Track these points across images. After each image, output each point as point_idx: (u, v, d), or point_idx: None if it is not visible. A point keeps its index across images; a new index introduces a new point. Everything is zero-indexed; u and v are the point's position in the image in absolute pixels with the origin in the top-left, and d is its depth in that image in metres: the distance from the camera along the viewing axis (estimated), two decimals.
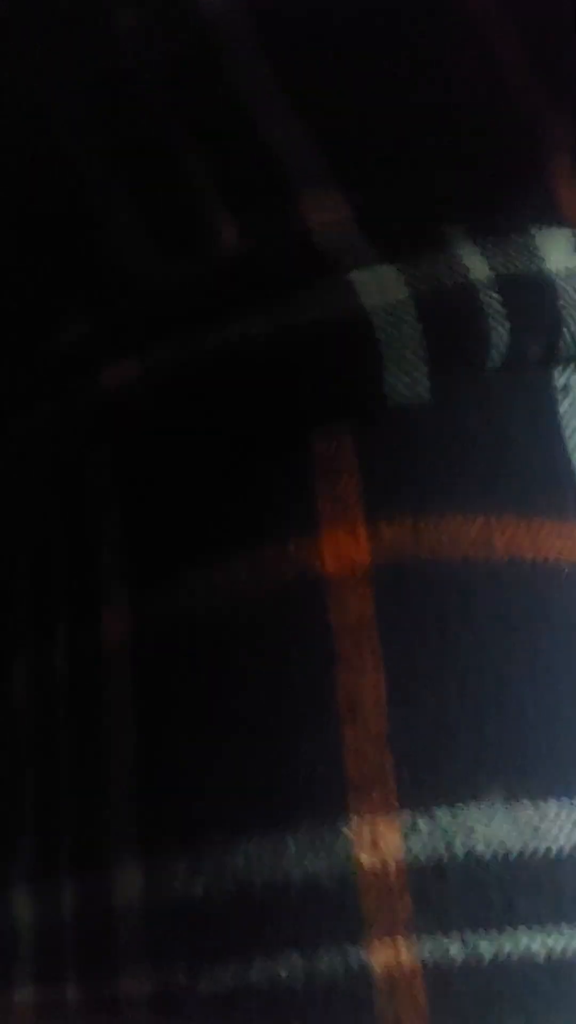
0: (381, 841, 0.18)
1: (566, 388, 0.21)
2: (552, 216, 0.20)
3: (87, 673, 0.21)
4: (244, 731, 0.19)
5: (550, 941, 0.18)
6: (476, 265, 0.19)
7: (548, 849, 0.18)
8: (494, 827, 0.18)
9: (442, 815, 0.18)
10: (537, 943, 0.18)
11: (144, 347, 0.20)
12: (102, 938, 0.20)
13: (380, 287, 0.19)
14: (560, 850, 0.18)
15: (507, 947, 0.18)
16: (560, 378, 0.21)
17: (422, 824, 0.18)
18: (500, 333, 0.19)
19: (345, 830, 0.18)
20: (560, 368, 0.20)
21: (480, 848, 0.18)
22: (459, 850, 0.18)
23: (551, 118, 0.21)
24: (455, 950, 0.18)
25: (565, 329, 0.20)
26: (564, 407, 0.20)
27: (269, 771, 0.18)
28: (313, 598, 0.19)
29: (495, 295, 0.19)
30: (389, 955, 0.18)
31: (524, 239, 0.20)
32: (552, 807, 0.18)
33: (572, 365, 0.21)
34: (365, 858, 0.18)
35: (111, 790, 0.20)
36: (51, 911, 0.20)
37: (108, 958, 0.19)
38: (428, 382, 0.19)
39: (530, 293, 0.20)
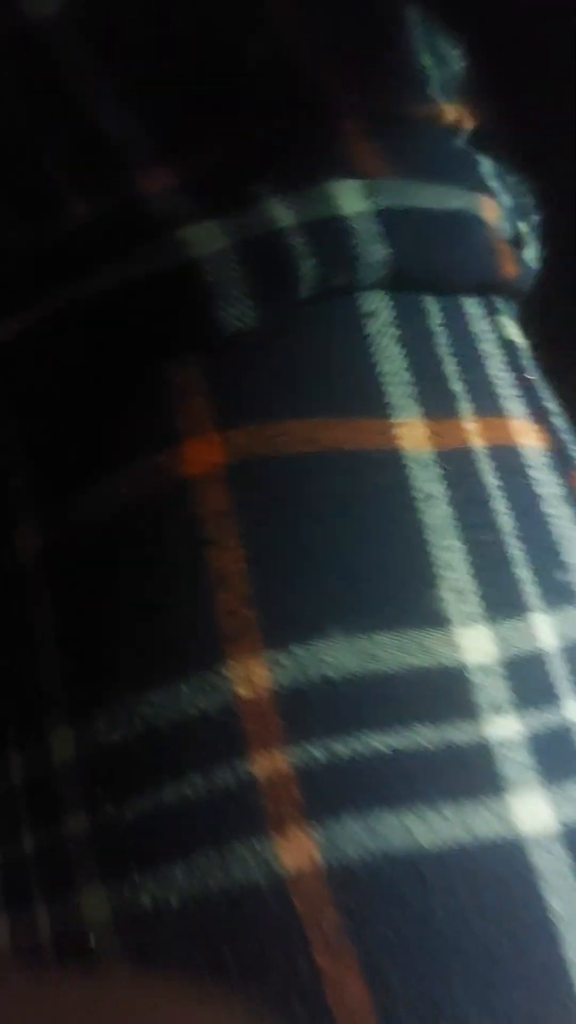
0: (254, 676, 0.23)
1: (373, 312, 0.25)
2: (345, 169, 0.25)
3: (10, 583, 0.25)
4: (139, 607, 0.23)
5: (390, 740, 0.22)
6: (282, 214, 0.24)
7: (382, 671, 0.23)
8: (339, 657, 0.23)
9: (298, 651, 0.23)
10: (381, 743, 0.22)
11: (22, 305, 0.24)
12: (47, 792, 0.24)
13: (206, 239, 0.24)
14: (391, 670, 0.23)
15: (358, 747, 0.22)
16: (366, 304, 0.25)
17: (283, 659, 0.23)
18: (307, 269, 0.24)
19: (225, 672, 0.23)
20: (365, 295, 0.25)
21: (330, 673, 0.23)
22: (314, 676, 0.22)
23: (340, 88, 0.26)
24: (319, 754, 0.22)
25: (360, 262, 0.25)
26: (372, 328, 0.25)
27: (161, 635, 0.23)
28: (182, 496, 0.24)
29: (299, 238, 0.24)
30: (268, 765, 0.22)
31: (321, 190, 0.24)
32: (382, 637, 0.23)
33: (376, 292, 0.26)
34: (242, 691, 0.22)
35: (40, 671, 0.24)
36: (2, 778, 0.25)
37: (52, 806, 0.24)
38: (254, 313, 0.24)
39: (328, 234, 0.24)
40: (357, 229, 0.24)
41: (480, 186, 0.28)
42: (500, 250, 0.28)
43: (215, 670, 0.23)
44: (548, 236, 0.34)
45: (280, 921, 0.22)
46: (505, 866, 0.22)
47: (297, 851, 0.22)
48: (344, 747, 0.22)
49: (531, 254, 0.33)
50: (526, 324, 0.34)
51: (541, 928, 0.22)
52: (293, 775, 0.22)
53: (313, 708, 0.23)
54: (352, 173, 0.25)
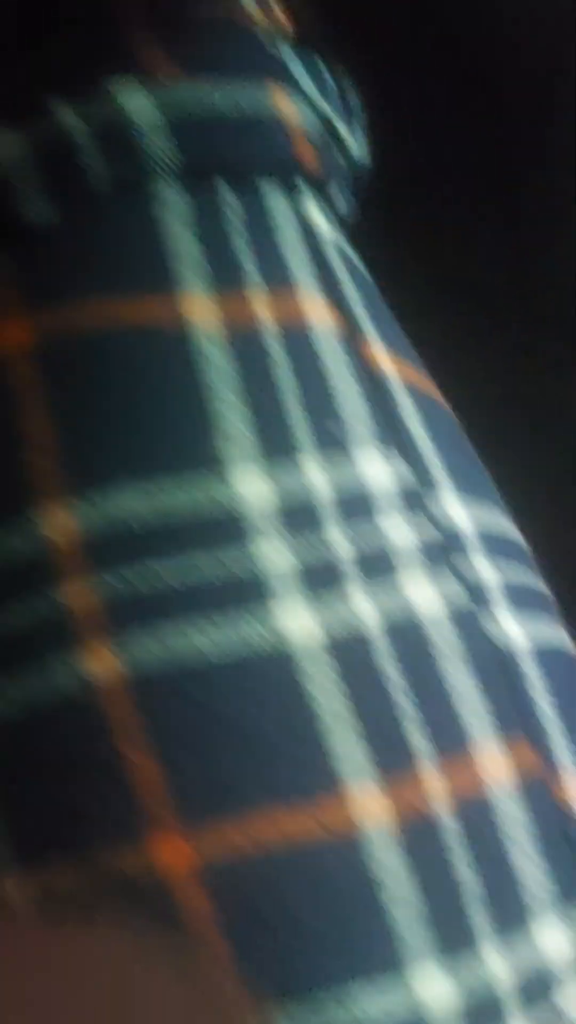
0: (58, 519, 0.27)
1: (165, 201, 0.29)
2: (131, 70, 0.28)
3: None
4: None
5: (174, 566, 0.27)
6: (70, 119, 0.27)
7: (165, 508, 0.27)
8: (128, 500, 0.27)
9: (94, 496, 0.27)
10: (166, 569, 0.27)
11: None
12: None
13: (5, 146, 0.27)
14: (173, 507, 0.27)
15: (148, 574, 0.27)
16: (160, 194, 0.29)
17: (83, 504, 0.27)
18: (96, 164, 0.28)
19: (34, 517, 0.27)
20: (158, 186, 0.29)
21: (122, 513, 0.27)
22: (109, 517, 0.27)
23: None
24: (116, 582, 0.27)
25: (148, 156, 0.28)
26: (164, 215, 0.29)
27: None
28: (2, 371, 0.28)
29: (88, 139, 0.27)
30: (75, 592, 0.27)
31: (106, 92, 0.28)
32: (165, 479, 0.27)
33: (168, 183, 0.29)
34: (50, 532, 0.27)
35: None
36: None
37: None
38: (52, 209, 0.27)
39: (114, 132, 0.28)
40: (141, 125, 0.28)
41: (277, 80, 0.31)
42: (296, 140, 0.31)
43: (26, 515, 0.27)
44: (375, 131, 0.37)
45: (92, 723, 0.27)
46: (274, 665, 0.27)
47: (103, 663, 0.26)
48: (136, 574, 0.27)
49: (355, 146, 0.36)
50: (369, 212, 0.37)
51: (300, 708, 0.26)
52: (97, 600, 0.27)
53: (109, 543, 0.27)
54: (138, 74, 0.28)
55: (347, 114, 0.36)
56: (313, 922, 0.26)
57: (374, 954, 0.26)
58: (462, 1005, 0.26)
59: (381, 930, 0.26)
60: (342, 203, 0.35)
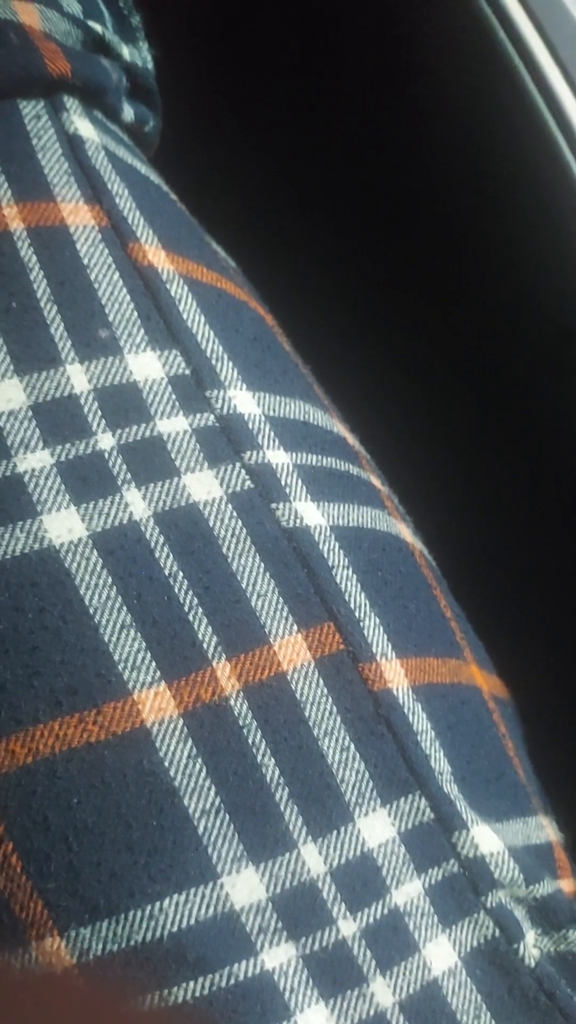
0: None
1: (37, 116, 0.30)
2: None
3: None
4: None
5: None
6: None
7: None
8: None
9: None
10: None
11: None
12: None
13: None
14: None
15: None
16: (26, 109, 0.30)
17: None
18: None
19: None
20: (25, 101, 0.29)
21: None
22: None
23: None
24: None
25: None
26: (34, 127, 0.30)
27: None
28: None
29: None
30: None
31: None
32: None
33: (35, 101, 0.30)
34: None
35: None
36: None
37: None
38: None
39: None
40: None
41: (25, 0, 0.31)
42: (44, 50, 0.30)
43: None
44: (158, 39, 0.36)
45: None
46: (39, 572, 0.26)
47: None
48: None
49: (134, 56, 0.35)
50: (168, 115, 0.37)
51: (72, 613, 0.26)
52: None
53: None
54: None
55: (125, 31, 0.35)
56: (109, 829, 0.25)
57: (186, 866, 0.25)
58: (276, 899, 0.25)
59: (189, 838, 0.25)
60: (125, 110, 0.34)
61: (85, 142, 0.31)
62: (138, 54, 0.35)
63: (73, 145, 0.31)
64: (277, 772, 0.26)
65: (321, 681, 0.27)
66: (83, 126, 0.31)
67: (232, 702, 0.26)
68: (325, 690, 0.27)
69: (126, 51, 0.34)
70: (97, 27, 0.33)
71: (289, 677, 0.26)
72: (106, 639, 0.26)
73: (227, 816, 0.25)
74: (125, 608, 0.26)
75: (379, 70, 0.43)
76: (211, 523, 0.27)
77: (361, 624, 0.28)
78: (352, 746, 0.27)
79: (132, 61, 0.35)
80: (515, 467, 0.46)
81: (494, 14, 0.37)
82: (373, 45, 0.43)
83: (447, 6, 0.39)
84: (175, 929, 0.25)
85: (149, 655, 0.26)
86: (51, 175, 0.30)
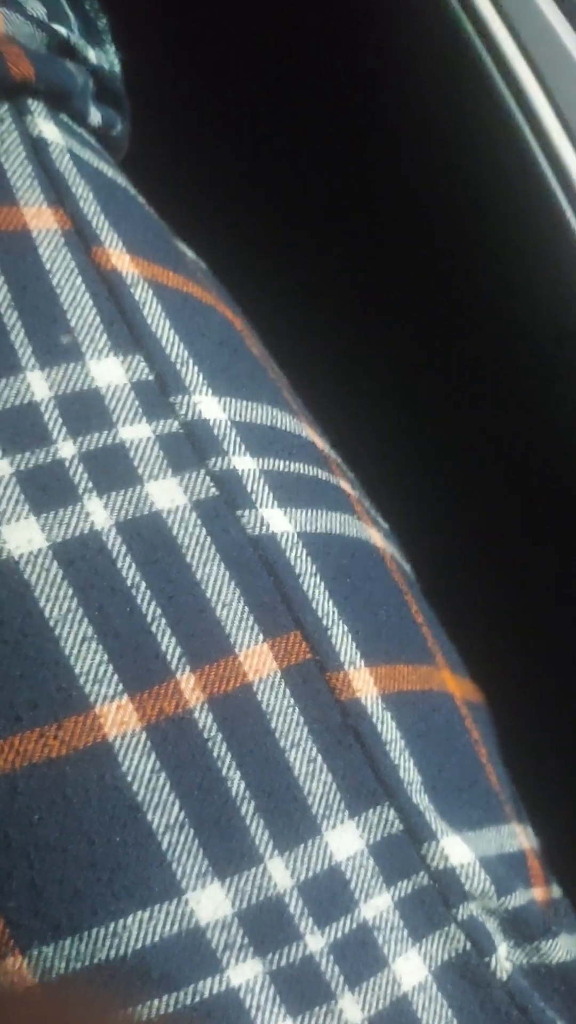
0: None
1: (0, 119, 0.29)
2: None
3: None
4: None
5: None
6: None
7: None
8: None
9: None
10: None
11: None
12: None
13: None
14: None
15: None
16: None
17: None
18: None
19: None
20: None
21: None
22: None
23: None
24: None
25: None
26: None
27: None
28: None
29: None
30: None
31: None
32: None
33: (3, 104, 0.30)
34: None
35: None
36: None
37: None
38: None
39: None
40: None
41: None
42: (7, 53, 0.30)
43: None
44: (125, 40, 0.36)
45: None
46: (1, 584, 0.25)
47: None
48: None
49: (100, 60, 0.35)
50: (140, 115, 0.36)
51: (32, 626, 0.25)
52: None
53: None
54: None
55: (91, 33, 0.35)
56: (71, 846, 0.24)
57: (150, 882, 0.24)
58: (242, 914, 0.25)
59: (153, 854, 0.25)
60: (92, 113, 0.34)
61: (49, 145, 0.31)
62: (105, 57, 0.35)
63: (37, 148, 0.30)
64: (243, 785, 0.25)
65: (287, 691, 0.26)
66: (48, 129, 0.31)
67: (196, 715, 0.25)
68: (292, 700, 0.26)
69: (92, 54, 0.34)
70: (62, 30, 0.33)
71: (255, 688, 0.26)
72: (67, 652, 0.25)
73: (191, 831, 0.25)
74: (86, 620, 0.26)
75: (352, 72, 0.43)
76: (175, 532, 0.27)
77: (329, 632, 0.27)
78: (319, 757, 0.26)
79: (99, 64, 0.34)
80: (507, 469, 0.45)
81: (468, 20, 0.36)
82: (347, 46, 0.43)
83: (421, 11, 0.39)
84: (139, 946, 0.24)
85: (111, 668, 0.25)
86: (14, 179, 0.30)
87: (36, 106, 0.31)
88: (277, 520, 0.28)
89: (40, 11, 0.32)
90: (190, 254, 0.34)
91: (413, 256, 0.46)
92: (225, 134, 0.45)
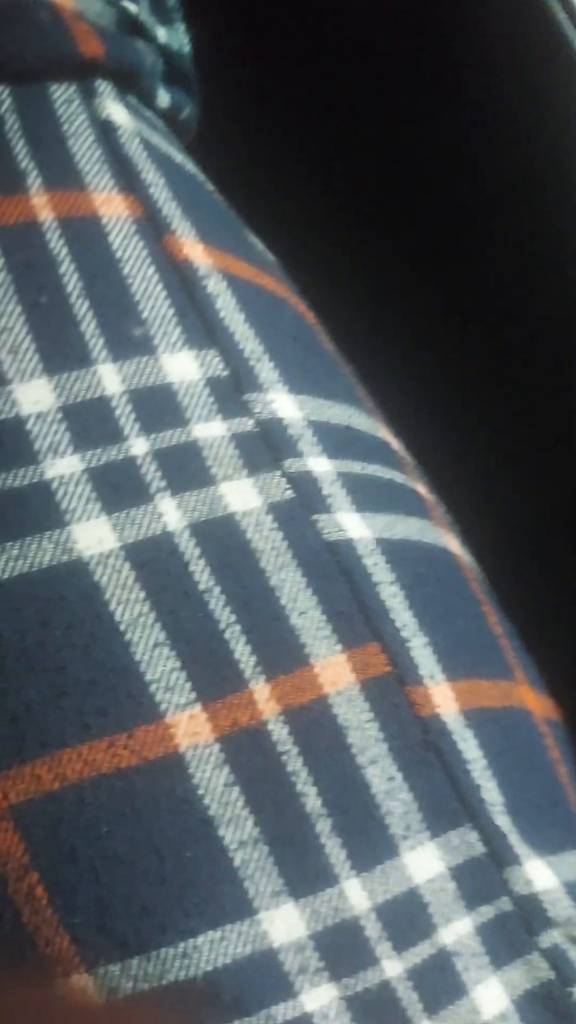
0: None
1: (68, 100, 0.29)
2: None
3: None
4: None
5: None
6: None
7: None
8: None
9: None
10: None
11: None
12: None
13: None
14: None
15: None
16: (56, 92, 0.28)
17: None
18: None
19: None
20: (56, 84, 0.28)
21: None
22: None
23: None
24: None
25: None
26: (65, 111, 0.28)
27: None
28: None
29: None
30: None
31: None
32: None
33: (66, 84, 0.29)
34: None
35: None
36: None
37: None
38: None
39: None
40: None
41: None
42: (76, 31, 0.29)
43: None
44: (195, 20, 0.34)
45: None
46: (67, 585, 0.24)
47: None
48: None
49: (171, 39, 0.33)
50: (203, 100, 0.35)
51: (102, 630, 0.24)
52: None
53: None
54: None
55: (161, 12, 0.34)
56: (140, 860, 0.23)
57: (222, 900, 0.23)
58: (317, 937, 0.24)
59: (225, 871, 0.23)
60: (161, 95, 0.32)
61: (118, 128, 0.29)
62: (175, 36, 0.34)
63: (106, 131, 0.29)
64: (319, 802, 0.24)
65: (366, 705, 0.25)
66: (116, 111, 0.30)
67: (271, 726, 0.24)
68: (370, 715, 0.25)
69: (162, 33, 0.33)
70: (131, 7, 0.31)
71: (331, 700, 0.25)
72: (138, 658, 0.24)
73: (265, 848, 0.24)
74: (158, 625, 0.24)
75: (422, 55, 0.42)
76: (249, 535, 0.26)
77: (408, 644, 0.26)
78: (399, 775, 0.25)
79: (168, 44, 0.33)
80: (562, 472, 0.44)
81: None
82: (416, 25, 0.41)
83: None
84: (210, 968, 0.23)
85: (184, 675, 0.24)
86: (82, 163, 0.28)
87: (104, 87, 0.30)
88: (354, 525, 0.27)
89: None
90: (259, 244, 0.33)
91: (448, 254, 0.45)
92: (293, 118, 0.44)
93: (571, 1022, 0.25)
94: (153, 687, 0.24)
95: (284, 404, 0.28)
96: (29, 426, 0.25)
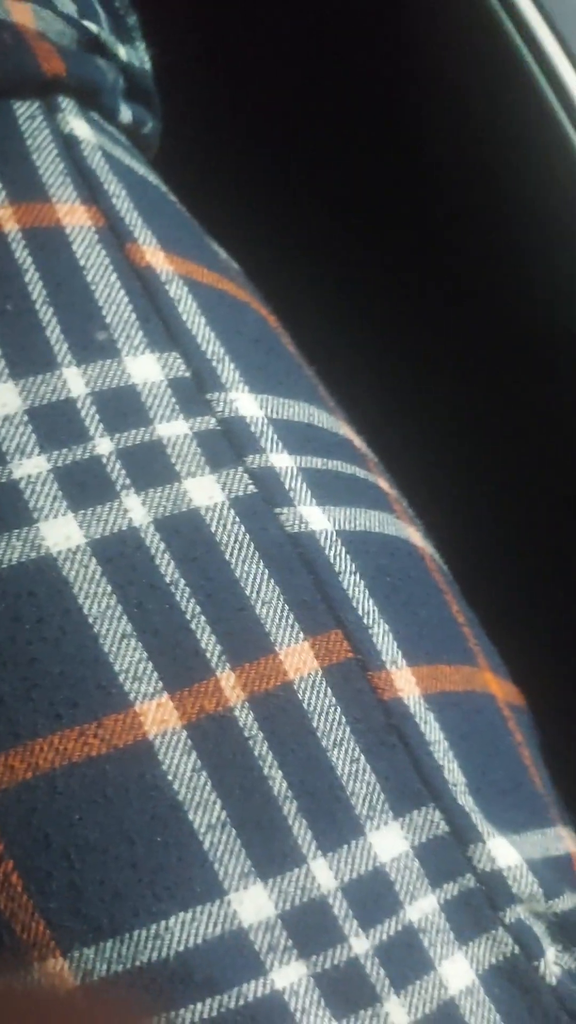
0: None
1: (32, 116, 0.30)
2: None
3: None
4: None
5: None
6: None
7: None
8: None
9: None
10: None
11: None
12: None
13: None
14: None
15: None
16: (20, 109, 0.29)
17: None
18: None
19: None
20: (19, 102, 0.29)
21: None
22: None
23: None
24: None
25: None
26: (28, 127, 0.30)
27: None
28: None
29: None
30: None
31: None
32: None
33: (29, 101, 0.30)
34: None
35: None
36: None
37: None
38: None
39: None
40: None
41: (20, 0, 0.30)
42: (38, 50, 0.30)
43: None
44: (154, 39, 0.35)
45: None
46: (36, 581, 0.25)
47: None
48: None
49: (130, 56, 0.34)
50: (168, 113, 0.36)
51: (71, 623, 0.25)
52: None
53: None
54: None
55: (121, 31, 0.35)
56: (112, 846, 0.24)
57: (192, 882, 0.24)
58: (285, 916, 0.24)
59: (194, 854, 0.24)
60: (123, 111, 0.33)
61: (81, 142, 0.30)
62: (135, 54, 0.35)
63: (68, 145, 0.30)
64: (285, 785, 0.25)
65: (329, 690, 0.26)
66: (79, 126, 0.31)
67: (237, 713, 0.25)
68: (333, 700, 0.26)
69: (122, 51, 0.34)
70: (92, 27, 0.33)
71: (296, 686, 0.26)
72: (106, 649, 0.25)
73: (233, 831, 0.24)
74: (126, 617, 0.25)
75: (382, 64, 0.43)
76: (213, 529, 0.26)
77: (370, 631, 0.27)
78: (362, 757, 0.26)
79: (129, 61, 0.34)
80: (527, 466, 0.45)
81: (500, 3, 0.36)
82: (376, 37, 0.42)
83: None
84: (181, 948, 0.24)
85: (151, 665, 0.25)
86: (46, 176, 0.29)
87: (67, 103, 0.31)
88: (316, 518, 0.28)
89: (71, 8, 0.32)
90: (222, 253, 0.34)
91: (438, 256, 0.46)
92: (255, 131, 0.45)
93: (536, 995, 0.25)
94: (121, 677, 0.25)
95: (245, 403, 0.28)
96: None
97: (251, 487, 0.27)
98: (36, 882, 0.24)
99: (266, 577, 0.26)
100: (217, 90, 0.45)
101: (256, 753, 0.25)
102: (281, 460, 0.28)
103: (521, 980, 0.26)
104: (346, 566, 0.27)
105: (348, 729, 0.26)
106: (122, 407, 0.27)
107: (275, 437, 0.28)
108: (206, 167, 0.40)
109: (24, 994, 0.24)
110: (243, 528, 0.27)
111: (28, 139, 0.30)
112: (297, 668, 0.26)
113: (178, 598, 0.26)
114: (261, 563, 0.26)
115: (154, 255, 0.30)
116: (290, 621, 0.26)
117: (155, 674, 0.25)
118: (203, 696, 0.25)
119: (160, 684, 0.25)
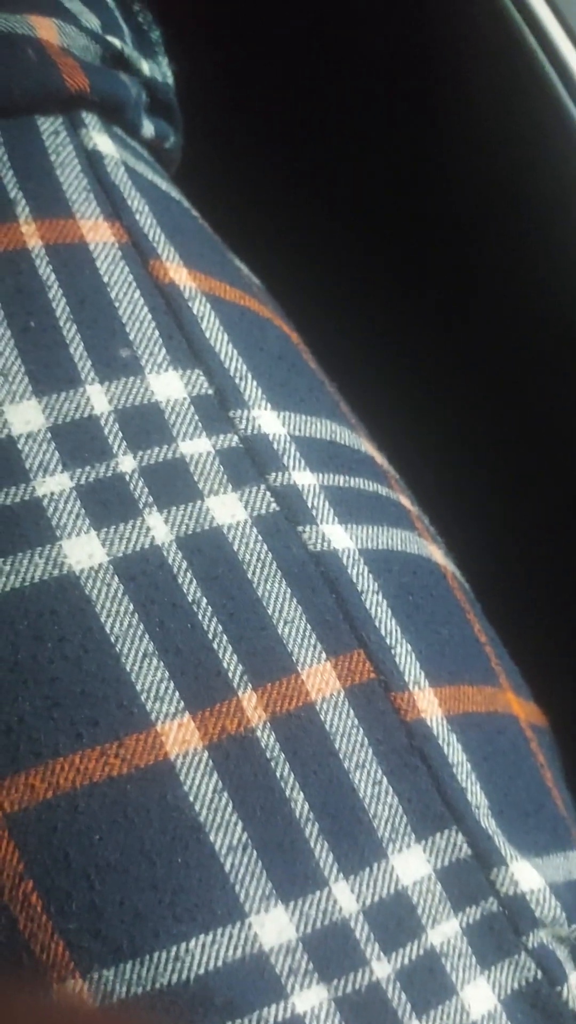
0: None
1: (56, 132, 0.30)
2: None
3: None
4: None
5: None
6: None
7: None
8: None
9: None
10: None
11: None
12: None
13: None
14: None
15: None
16: (44, 125, 0.29)
17: None
18: None
19: None
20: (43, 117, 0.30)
21: None
22: None
23: None
24: None
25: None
26: (52, 143, 0.30)
27: None
28: None
29: None
30: None
31: None
32: None
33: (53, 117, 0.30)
34: None
35: None
36: None
37: None
38: None
39: None
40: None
41: (41, 10, 0.30)
42: (62, 66, 0.30)
43: None
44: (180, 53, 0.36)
45: None
46: (58, 599, 0.25)
47: None
48: None
49: (153, 71, 0.34)
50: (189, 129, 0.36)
51: (93, 642, 0.25)
52: None
53: None
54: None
55: (144, 46, 0.35)
56: (132, 867, 0.24)
57: (213, 904, 0.24)
58: (307, 939, 0.24)
59: (215, 876, 0.24)
60: (145, 125, 0.34)
61: (104, 158, 0.31)
62: (158, 69, 0.35)
63: (92, 161, 0.30)
64: (306, 807, 0.25)
65: (351, 711, 0.26)
66: (102, 142, 0.31)
67: (259, 733, 0.25)
68: (356, 721, 0.26)
69: (145, 66, 0.34)
70: (116, 42, 0.33)
71: (318, 707, 0.25)
72: (128, 668, 0.25)
73: (255, 852, 0.24)
74: (147, 636, 0.25)
75: (399, 77, 0.43)
76: (236, 547, 0.26)
77: (392, 651, 0.27)
78: (385, 779, 0.25)
79: (152, 76, 0.34)
80: (550, 481, 0.44)
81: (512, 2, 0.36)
82: (392, 51, 0.42)
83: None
84: (202, 971, 0.24)
85: (172, 685, 0.25)
86: (70, 192, 0.29)
87: (90, 119, 0.31)
88: (338, 536, 0.28)
89: (94, 23, 0.32)
90: (244, 268, 0.34)
91: (447, 261, 0.46)
92: (279, 147, 0.45)
93: (559, 1021, 0.25)
94: (143, 697, 0.25)
95: (268, 420, 0.28)
96: (20, 445, 0.26)
97: (273, 505, 0.27)
98: (56, 902, 0.24)
99: (288, 596, 0.26)
100: (239, 104, 0.45)
101: (278, 774, 0.25)
102: (303, 478, 0.28)
103: (544, 1005, 0.25)
104: (368, 585, 0.27)
105: (370, 750, 0.25)
106: (145, 424, 0.27)
107: (297, 455, 0.28)
108: (228, 181, 0.40)
109: (44, 1013, 0.24)
110: (265, 546, 0.27)
111: (52, 155, 0.30)
112: (319, 689, 0.26)
113: (200, 617, 0.26)
114: (283, 582, 0.26)
115: (177, 272, 0.29)
116: (312, 641, 0.26)
117: (177, 694, 0.25)
118: (225, 716, 0.25)
119: (182, 704, 0.25)
